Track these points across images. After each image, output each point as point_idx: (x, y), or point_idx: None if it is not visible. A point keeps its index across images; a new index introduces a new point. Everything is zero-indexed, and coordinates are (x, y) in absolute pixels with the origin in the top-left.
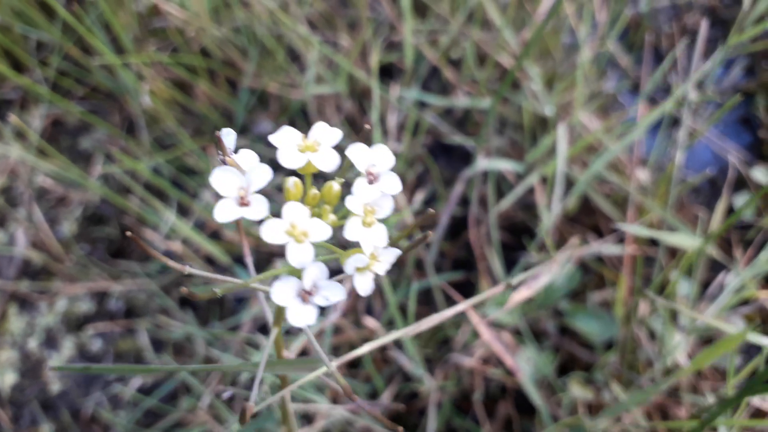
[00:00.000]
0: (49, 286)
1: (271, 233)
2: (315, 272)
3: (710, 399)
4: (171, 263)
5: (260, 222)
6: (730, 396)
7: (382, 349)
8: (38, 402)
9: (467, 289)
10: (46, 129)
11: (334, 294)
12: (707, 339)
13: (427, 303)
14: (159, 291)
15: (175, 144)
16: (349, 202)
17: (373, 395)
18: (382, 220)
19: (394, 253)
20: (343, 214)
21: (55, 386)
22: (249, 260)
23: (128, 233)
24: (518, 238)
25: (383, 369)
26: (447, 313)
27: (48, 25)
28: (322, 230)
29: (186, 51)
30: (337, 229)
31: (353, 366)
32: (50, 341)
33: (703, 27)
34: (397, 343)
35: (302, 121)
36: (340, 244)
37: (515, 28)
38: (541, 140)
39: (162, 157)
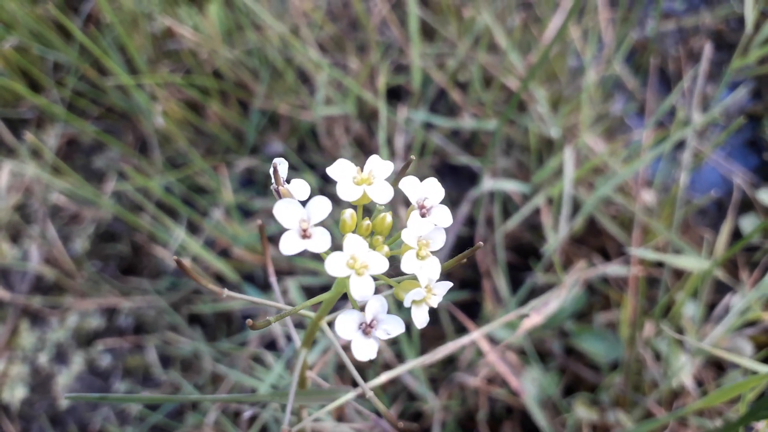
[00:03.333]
0: (61, 301)
1: (335, 267)
2: (376, 305)
3: (717, 423)
4: (211, 287)
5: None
6: (733, 421)
7: (387, 367)
8: (47, 417)
9: (473, 308)
10: (61, 148)
11: (394, 327)
12: (713, 361)
13: (433, 322)
14: (168, 308)
15: (186, 163)
16: (405, 235)
17: (378, 414)
18: (435, 253)
19: (446, 286)
20: (391, 242)
21: (64, 401)
22: (273, 279)
23: (175, 258)
24: (525, 259)
25: (388, 388)
26: (461, 342)
27: (65, 47)
28: (380, 263)
29: (199, 72)
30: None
31: (358, 385)
32: (60, 356)
33: (707, 49)
34: (402, 361)
35: (312, 142)
36: (387, 274)
37: (521, 52)
38: (547, 162)
39: (173, 176)
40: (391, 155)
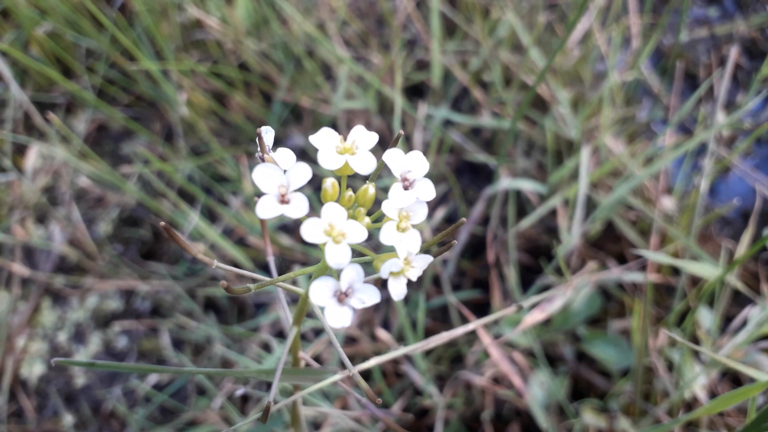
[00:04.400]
0: (82, 282)
1: (311, 232)
2: (352, 274)
3: None
4: (201, 257)
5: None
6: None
7: (395, 363)
8: (62, 394)
9: (485, 309)
10: (91, 133)
11: (369, 296)
12: (729, 372)
13: (443, 320)
14: (184, 293)
15: (209, 152)
16: (385, 207)
17: (384, 409)
18: (416, 226)
19: (426, 259)
20: (375, 217)
21: (79, 380)
22: (271, 259)
23: (162, 224)
24: (546, 260)
25: (395, 383)
26: (457, 332)
27: (97, 34)
28: (359, 232)
29: (224, 63)
30: (370, 232)
31: (365, 378)
32: (79, 336)
33: (733, 53)
34: (410, 358)
35: None
36: (372, 247)
37: (546, 53)
38: (565, 162)
39: (195, 163)
40: (409, 151)
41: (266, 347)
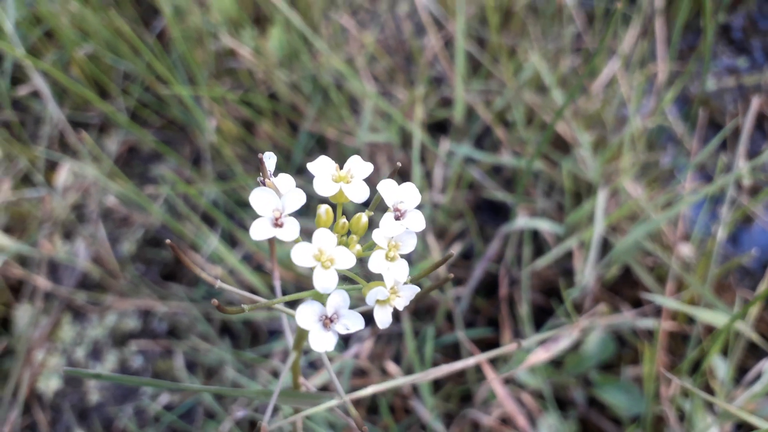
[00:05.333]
0: (103, 299)
1: (300, 256)
2: (338, 299)
3: None
4: (204, 275)
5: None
6: None
7: (404, 398)
8: (76, 410)
9: (496, 347)
10: (122, 154)
11: (353, 323)
12: (744, 425)
13: (455, 357)
14: (200, 316)
15: (234, 178)
16: (375, 235)
17: None
18: (405, 256)
19: (413, 290)
20: (368, 245)
21: (93, 397)
22: (277, 283)
23: (168, 242)
24: (558, 302)
25: (403, 419)
26: (456, 365)
27: (134, 58)
28: (347, 259)
29: (255, 92)
30: (361, 261)
31: (373, 412)
32: (96, 353)
33: (755, 102)
34: (418, 394)
35: None
36: (365, 276)
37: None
38: (583, 204)
39: (220, 187)
40: (429, 186)
41: (276, 374)
